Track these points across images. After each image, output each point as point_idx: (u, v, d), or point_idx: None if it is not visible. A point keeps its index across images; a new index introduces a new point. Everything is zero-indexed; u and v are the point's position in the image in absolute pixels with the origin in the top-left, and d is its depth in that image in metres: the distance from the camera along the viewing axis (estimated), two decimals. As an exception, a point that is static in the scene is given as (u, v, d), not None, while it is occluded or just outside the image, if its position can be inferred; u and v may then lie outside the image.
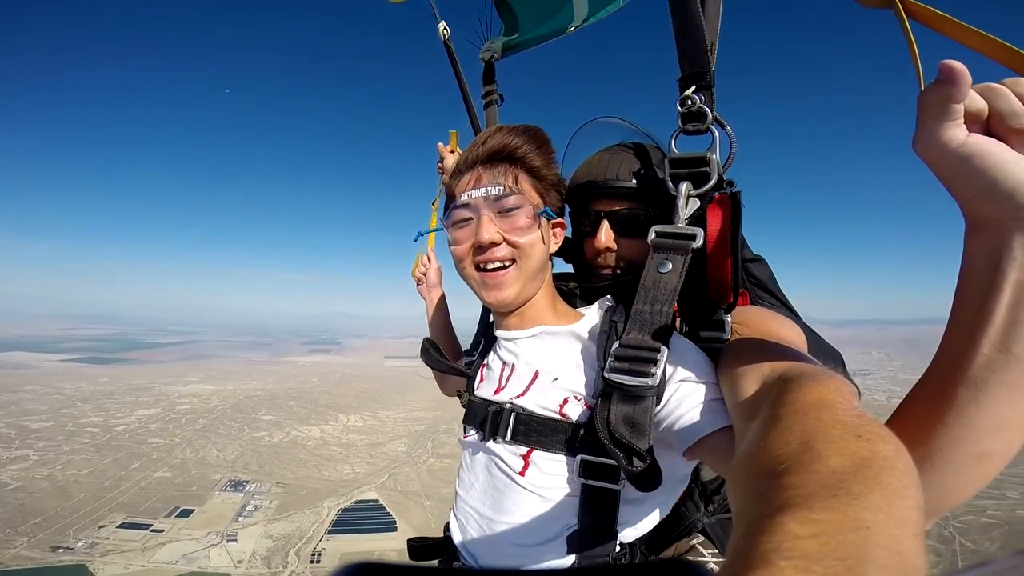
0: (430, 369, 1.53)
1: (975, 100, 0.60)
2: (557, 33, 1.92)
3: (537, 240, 1.16)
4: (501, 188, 1.14)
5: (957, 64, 0.56)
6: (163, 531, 64.88)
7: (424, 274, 2.00)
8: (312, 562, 59.75)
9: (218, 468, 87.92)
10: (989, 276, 0.62)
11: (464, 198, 1.17)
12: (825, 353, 1.18)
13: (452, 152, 2.00)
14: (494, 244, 1.13)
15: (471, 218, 1.16)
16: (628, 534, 1.05)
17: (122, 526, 65.45)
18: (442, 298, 1.96)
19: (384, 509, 76.71)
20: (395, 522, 72.10)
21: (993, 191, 0.59)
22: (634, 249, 1.37)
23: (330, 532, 68.36)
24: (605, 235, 1.37)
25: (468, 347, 1.48)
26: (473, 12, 2.05)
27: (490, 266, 1.15)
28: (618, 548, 1.03)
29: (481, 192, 1.15)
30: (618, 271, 1.40)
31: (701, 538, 1.45)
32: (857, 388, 0.75)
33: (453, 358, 1.48)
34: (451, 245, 1.22)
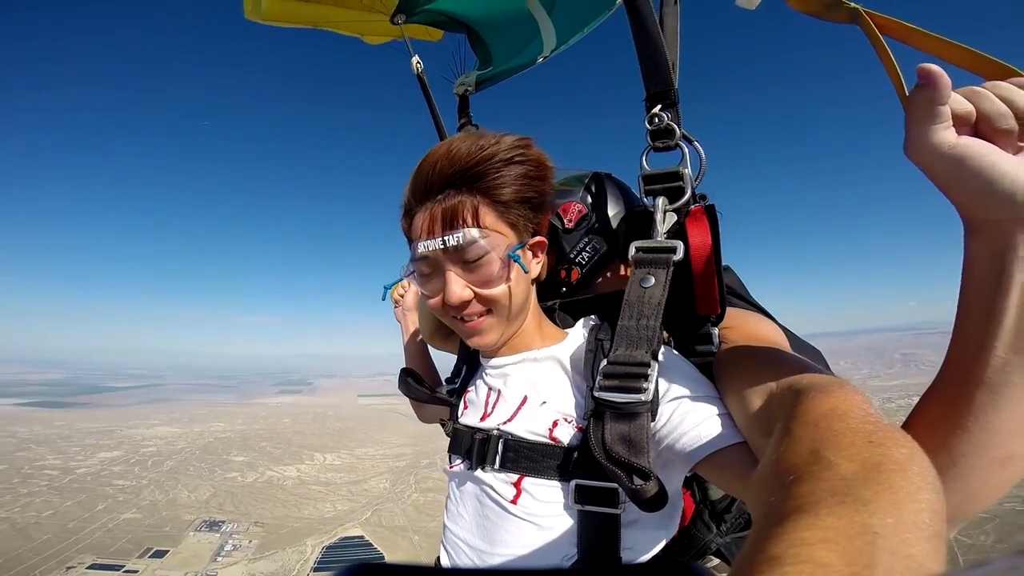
0: (408, 400, 1.48)
1: (961, 103, 0.60)
2: (528, 64, 2.04)
3: (512, 286, 1.03)
4: (460, 237, 0.97)
5: (934, 67, 0.57)
6: (137, 572, 61.56)
7: (402, 296, 1.91)
8: (300, 600, 57.19)
9: (190, 509, 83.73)
10: (995, 278, 0.62)
11: (421, 249, 1.00)
12: (805, 351, 1.19)
13: None
14: (465, 302, 1.01)
15: (435, 271, 1.03)
16: (635, 561, 0.97)
17: (93, 567, 61.74)
18: (417, 323, 1.84)
19: (371, 545, 74.04)
20: (383, 558, 69.24)
21: (992, 192, 0.59)
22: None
23: (316, 569, 65.45)
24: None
25: (449, 375, 1.38)
26: (446, 49, 2.17)
27: (467, 318, 1.05)
28: None
29: (438, 244, 0.98)
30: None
31: (716, 561, 1.42)
32: None
33: (432, 384, 1.39)
34: (424, 296, 1.11)
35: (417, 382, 1.34)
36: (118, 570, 61.40)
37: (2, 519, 71.56)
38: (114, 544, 68.48)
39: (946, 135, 0.59)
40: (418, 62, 2.04)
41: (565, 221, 1.36)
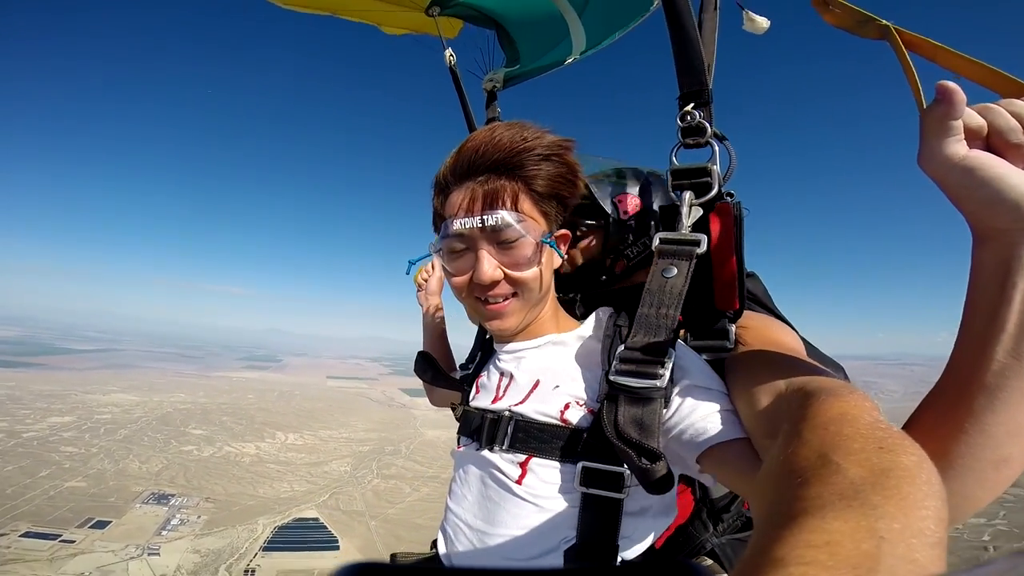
0: (421, 381, 1.49)
1: (974, 117, 0.63)
2: (556, 64, 2.09)
3: (543, 270, 1.09)
4: (499, 218, 1.01)
5: (951, 84, 0.61)
6: (74, 542, 58.80)
7: (426, 280, 1.94)
8: (245, 578, 55.61)
9: (140, 480, 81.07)
10: (999, 286, 0.64)
11: (457, 226, 1.04)
12: (826, 363, 1.17)
13: None
14: (495, 282, 1.05)
15: (467, 249, 1.06)
16: (631, 550, 0.97)
17: (26, 535, 58.79)
18: (438, 308, 1.91)
19: (325, 528, 72.38)
20: (336, 541, 68.08)
21: (998, 203, 0.61)
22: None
23: (266, 549, 63.82)
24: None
25: (464, 360, 1.41)
26: (474, 45, 2.23)
27: (491, 300, 1.08)
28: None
29: (476, 222, 1.02)
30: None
31: (709, 561, 1.39)
32: None
33: (447, 369, 1.42)
34: (447, 274, 1.13)
35: (431, 365, 1.38)
36: (54, 539, 58.48)
37: (-66, 480, 68.21)
38: (54, 512, 65.55)
39: (957, 147, 0.62)
40: (451, 55, 2.09)
41: (620, 212, 1.39)
